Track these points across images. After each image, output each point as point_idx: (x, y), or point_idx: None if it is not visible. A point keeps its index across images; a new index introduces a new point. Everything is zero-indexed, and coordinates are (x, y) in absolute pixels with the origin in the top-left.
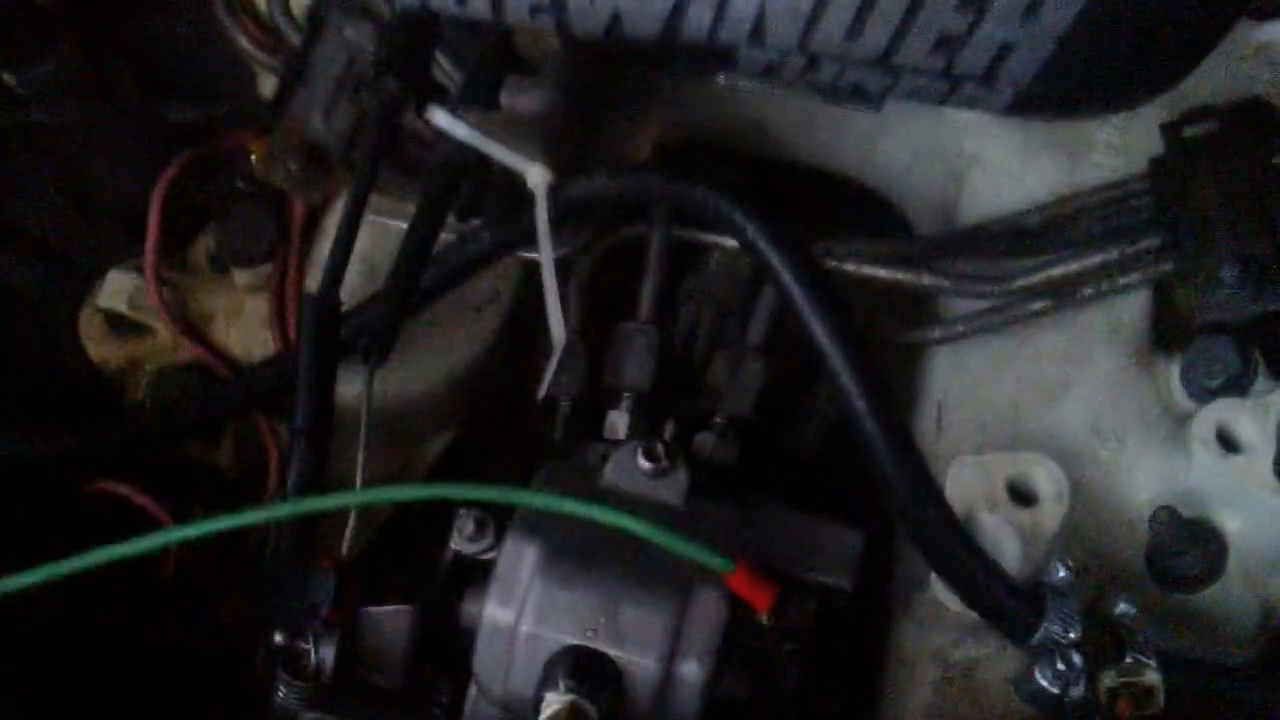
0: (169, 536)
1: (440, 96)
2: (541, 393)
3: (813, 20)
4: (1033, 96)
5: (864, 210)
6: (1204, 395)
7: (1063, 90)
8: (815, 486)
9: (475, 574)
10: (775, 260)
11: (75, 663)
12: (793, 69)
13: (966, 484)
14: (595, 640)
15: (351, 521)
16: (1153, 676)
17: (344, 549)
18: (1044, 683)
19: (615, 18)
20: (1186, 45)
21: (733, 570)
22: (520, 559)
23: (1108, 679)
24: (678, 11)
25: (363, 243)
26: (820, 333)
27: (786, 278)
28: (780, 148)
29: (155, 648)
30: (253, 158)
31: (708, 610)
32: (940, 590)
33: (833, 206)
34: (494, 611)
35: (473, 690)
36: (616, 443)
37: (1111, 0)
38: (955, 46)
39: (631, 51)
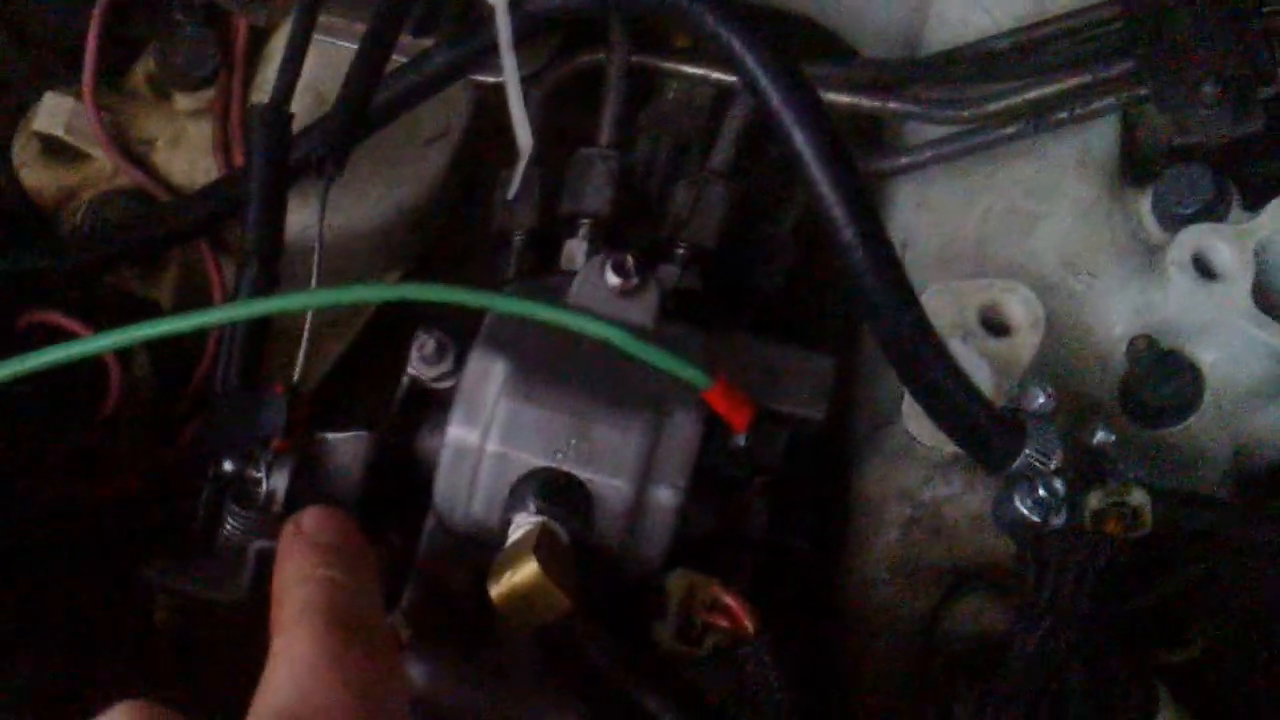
0: (110, 339)
1: None
2: (510, 193)
3: None
4: None
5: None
6: (1178, 223)
7: None
8: (779, 323)
9: (434, 405)
10: (745, 55)
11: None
12: None
13: (937, 311)
14: (565, 461)
15: (304, 344)
16: (1139, 495)
17: (296, 374)
18: (1024, 510)
19: None
20: None
21: (710, 385)
22: (486, 375)
23: (1094, 500)
24: None
25: (311, 67)
26: (795, 135)
27: (761, 81)
28: None
29: (95, 494)
30: None
31: (683, 432)
32: (911, 422)
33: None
34: (458, 431)
35: (430, 523)
36: (574, 274)
37: None
38: None
39: None
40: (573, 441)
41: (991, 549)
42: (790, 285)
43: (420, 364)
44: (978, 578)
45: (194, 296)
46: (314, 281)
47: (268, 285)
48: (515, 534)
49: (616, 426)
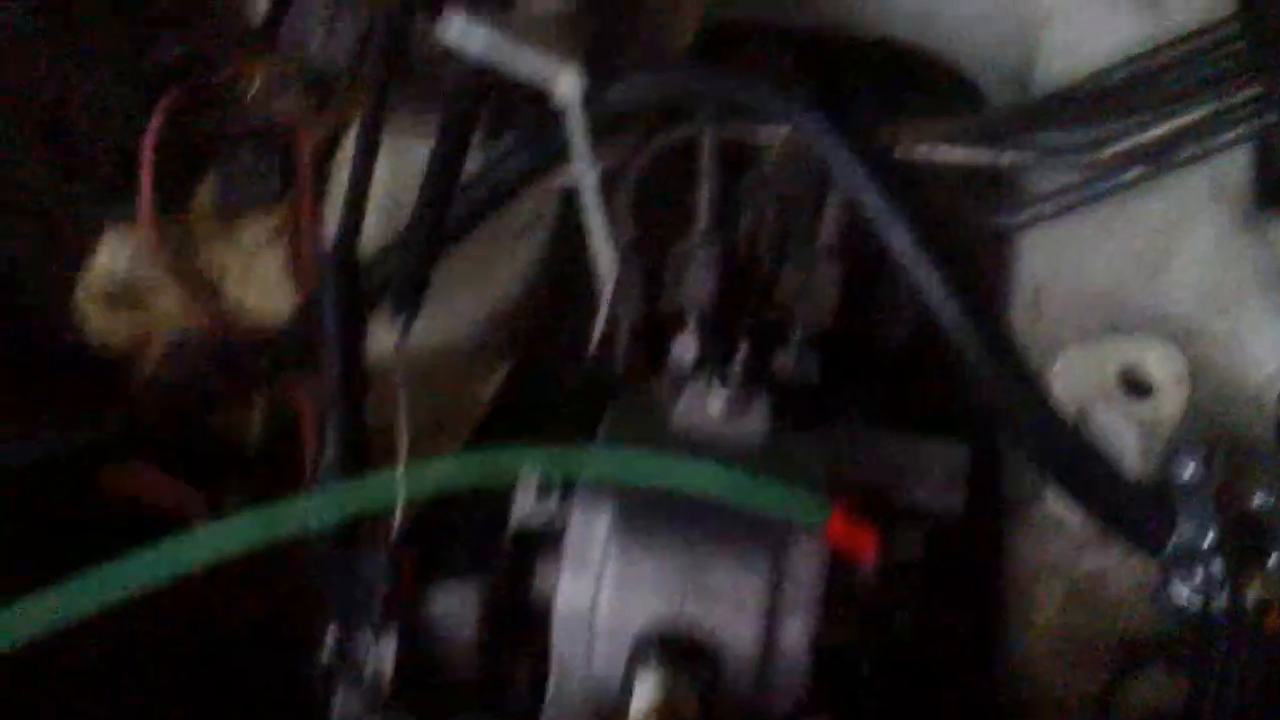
0: (195, 549)
1: (452, 3)
2: (595, 337)
3: None
4: None
5: (932, 80)
6: None
7: None
8: (909, 388)
9: (544, 543)
10: (838, 160)
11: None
12: None
13: (1075, 377)
14: (684, 607)
15: (399, 509)
16: None
17: (394, 532)
18: (1184, 596)
19: None
20: None
21: (828, 517)
22: (594, 523)
23: (1253, 590)
24: None
25: (382, 171)
26: (898, 243)
27: (851, 179)
28: (833, 18)
29: (185, 650)
30: (252, 83)
31: (807, 563)
32: (1057, 502)
33: (898, 80)
34: (569, 586)
35: (554, 676)
36: (686, 371)
37: None
38: None
39: None
40: (690, 587)
41: (1159, 618)
42: (917, 341)
43: (525, 507)
44: (1154, 649)
45: (284, 428)
46: (400, 437)
47: (354, 432)
48: (639, 699)
49: (735, 566)
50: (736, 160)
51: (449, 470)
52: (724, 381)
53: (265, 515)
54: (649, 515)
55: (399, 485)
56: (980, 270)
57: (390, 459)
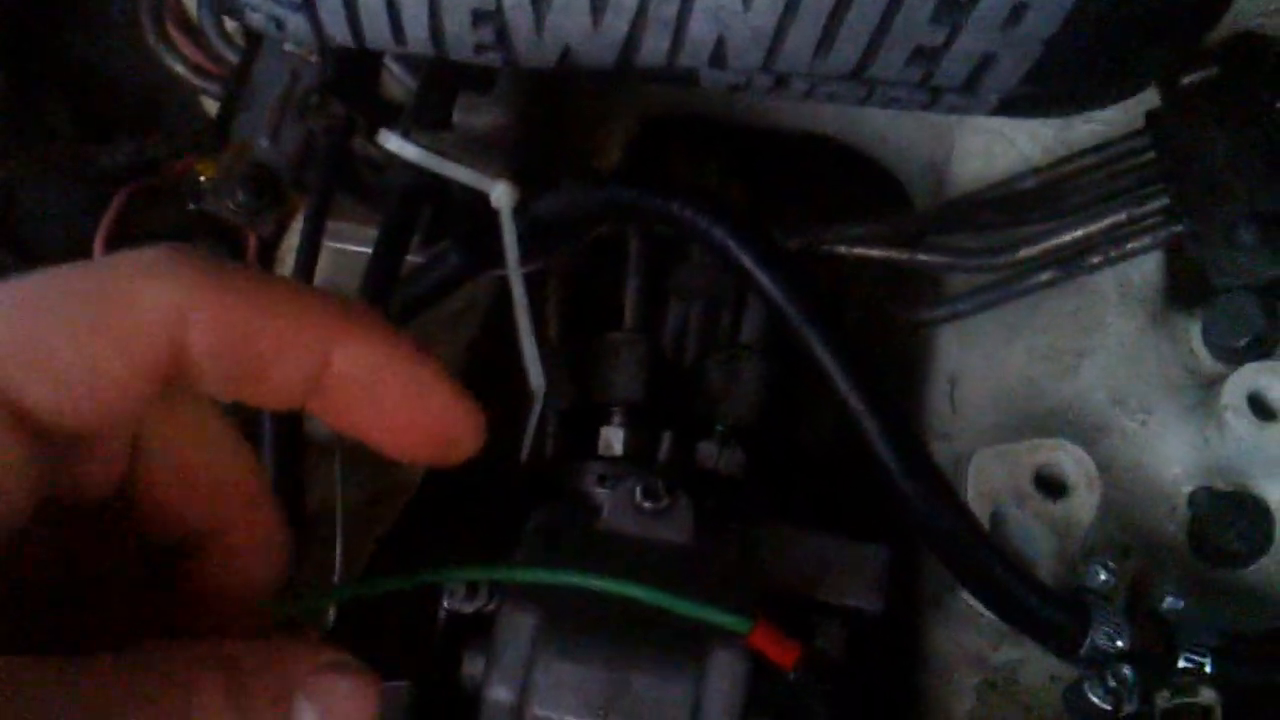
0: None
1: (392, 115)
2: (524, 455)
3: (776, 41)
4: (1019, 100)
5: (855, 173)
6: (1229, 356)
7: (1052, 92)
8: (831, 483)
9: (473, 630)
10: (758, 274)
11: None
12: (759, 87)
13: (990, 477)
14: (608, 716)
15: (331, 610)
16: (1208, 695)
17: (329, 617)
18: (1095, 700)
19: (566, 52)
20: (1185, 28)
21: (750, 629)
22: (518, 632)
23: (1161, 700)
24: (631, 42)
25: (324, 268)
26: (817, 352)
27: (775, 295)
28: (758, 114)
29: None
30: (201, 180)
31: (727, 672)
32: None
33: (822, 168)
34: (495, 694)
35: None
36: (612, 460)
37: None
38: (933, 59)
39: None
40: (613, 698)
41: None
42: (839, 439)
43: (455, 602)
44: None
45: None
46: (337, 516)
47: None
48: None
49: (656, 676)
50: (663, 256)
51: (379, 582)
52: (649, 487)
53: None
54: (573, 625)
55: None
56: (899, 363)
57: (323, 539)
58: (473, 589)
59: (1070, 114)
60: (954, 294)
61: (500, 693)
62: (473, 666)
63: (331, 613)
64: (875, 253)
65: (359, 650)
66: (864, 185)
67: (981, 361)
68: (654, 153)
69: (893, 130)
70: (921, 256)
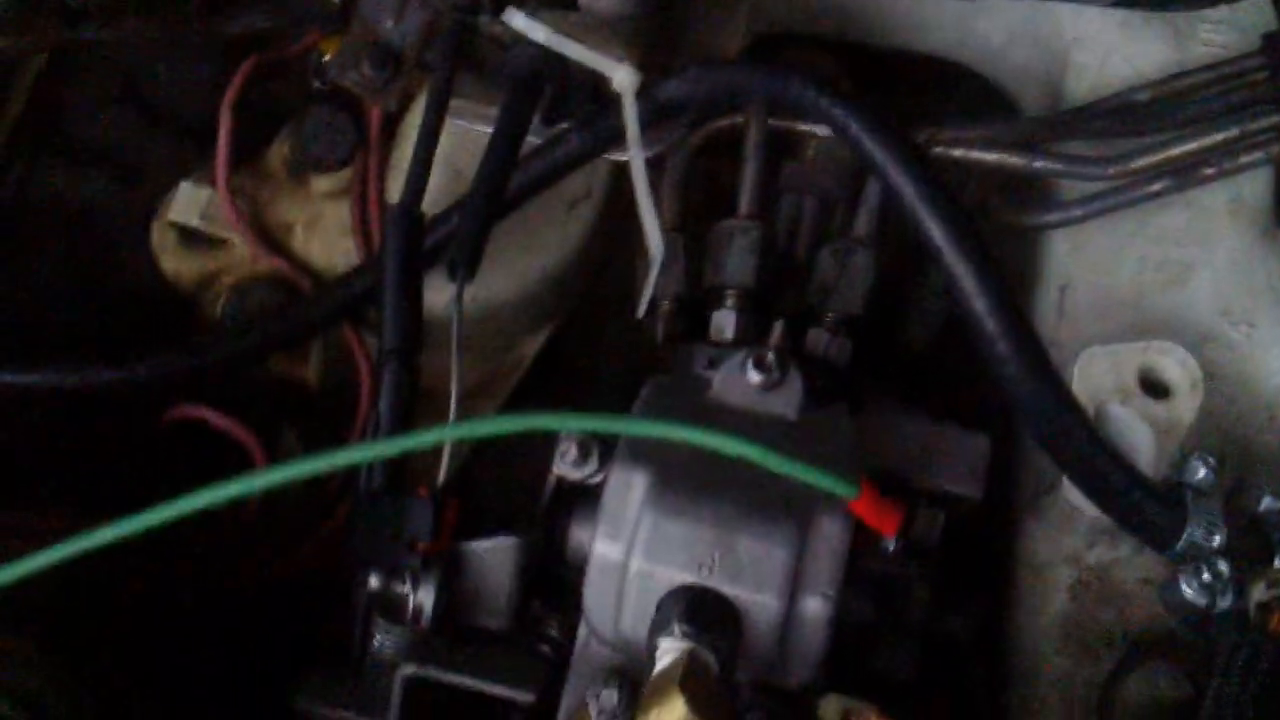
0: (256, 482)
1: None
2: (640, 310)
3: None
4: None
5: (967, 91)
6: None
7: None
8: (932, 381)
9: (581, 499)
10: (878, 154)
11: (149, 614)
12: None
13: (1095, 375)
14: (710, 576)
15: (446, 451)
16: None
17: (440, 476)
18: (1190, 594)
19: None
20: None
21: (857, 495)
22: (628, 489)
23: (1257, 591)
24: None
25: (445, 146)
26: (931, 229)
27: (891, 172)
28: (874, 32)
29: (238, 594)
30: (325, 58)
31: (830, 539)
32: (1072, 493)
33: (936, 88)
34: (602, 547)
35: (583, 629)
36: (724, 344)
37: None
38: None
39: None
40: (717, 555)
41: (1163, 614)
42: (941, 339)
43: (565, 466)
44: (1152, 647)
45: (340, 373)
46: (453, 385)
47: (409, 382)
48: (662, 661)
49: (761, 538)
50: (780, 149)
51: (495, 422)
52: (760, 358)
53: (320, 456)
54: (682, 482)
55: (447, 433)
56: (1009, 268)
57: (436, 416)
58: (583, 454)
59: (1190, 8)
60: (1066, 200)
61: (608, 547)
62: (580, 533)
63: (442, 471)
64: (990, 156)
65: (472, 508)
66: (976, 101)
67: (1091, 269)
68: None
69: (1007, 48)
70: (1036, 163)
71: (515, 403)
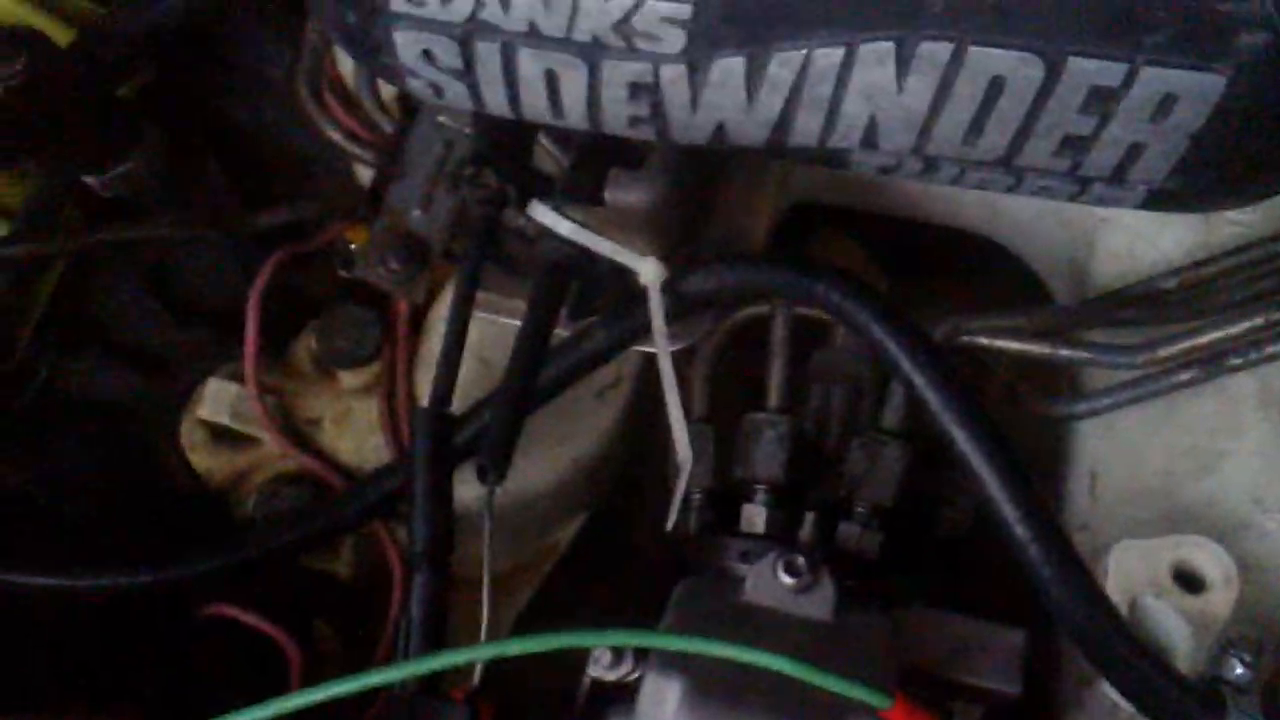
0: (290, 703)
1: (543, 188)
2: (670, 521)
3: (928, 125)
4: (1166, 193)
5: (994, 266)
6: None
7: (1199, 185)
8: (966, 570)
9: (617, 698)
10: (901, 360)
11: None
12: (909, 170)
13: (1129, 569)
14: None
15: (479, 667)
16: None
17: (475, 678)
18: None
19: (719, 128)
20: None
21: (891, 705)
22: (663, 698)
23: None
24: (785, 120)
25: (473, 338)
26: (956, 435)
27: (915, 378)
28: (904, 205)
29: None
30: (353, 249)
31: None
32: (1111, 688)
33: (962, 261)
34: None
35: None
36: (754, 537)
37: (1248, 90)
38: (1082, 148)
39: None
40: None
41: None
42: (976, 526)
43: (599, 669)
44: None
45: (372, 567)
46: (484, 589)
47: (438, 586)
48: None
49: None
50: (808, 336)
51: (528, 644)
52: (791, 563)
53: (352, 678)
54: (718, 687)
55: (479, 652)
56: (1037, 455)
57: (469, 604)
58: (617, 656)
59: (1217, 208)
60: (1093, 389)
61: None
62: None
63: (477, 673)
64: (1016, 346)
65: (508, 710)
66: (1004, 280)
67: (1121, 456)
68: (798, 238)
69: (1035, 226)
70: (1063, 352)
71: (550, 585)
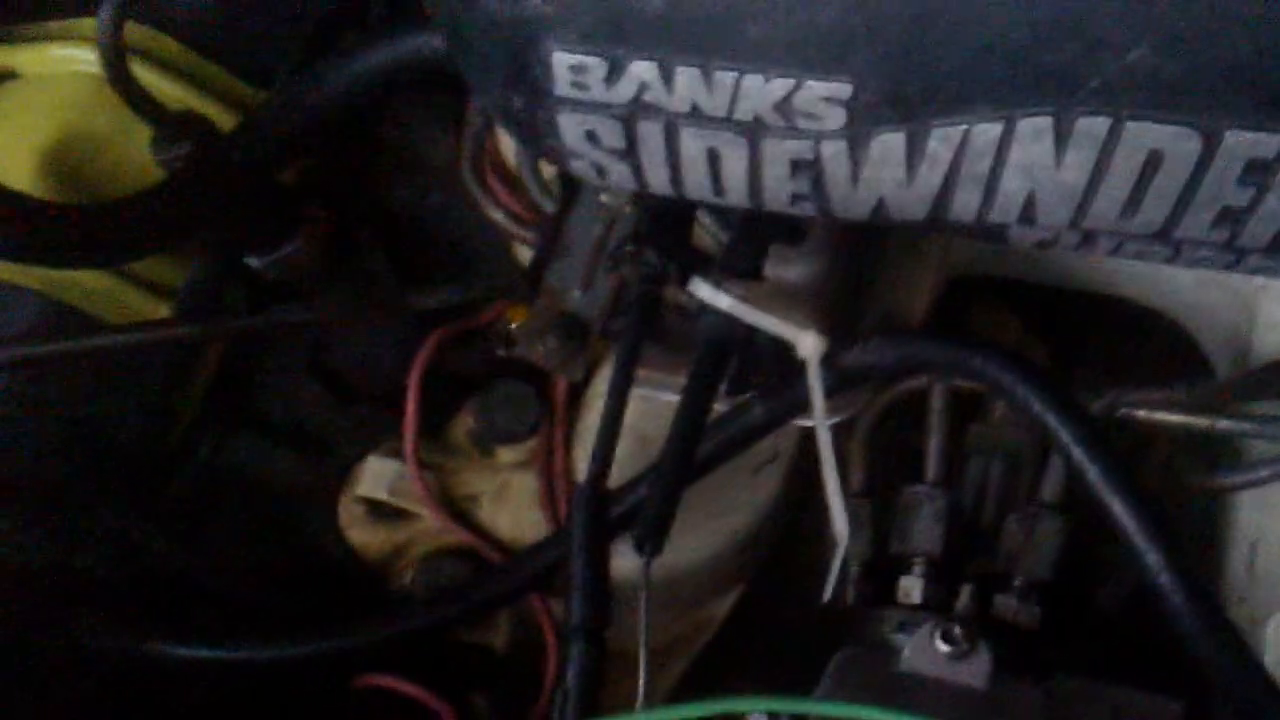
0: None
1: (703, 264)
2: (827, 592)
3: (1085, 199)
4: None
5: (1153, 335)
6: None
7: None
8: (1125, 644)
9: None
10: (1061, 434)
11: None
12: (1066, 244)
13: None
14: None
15: None
16: None
17: None
18: None
19: (879, 204)
20: None
21: None
22: None
23: None
24: (943, 196)
25: (631, 414)
26: (1115, 509)
27: (1074, 452)
28: (1064, 275)
29: None
30: (512, 328)
31: None
32: None
33: (1120, 330)
34: None
35: None
36: (911, 608)
37: None
38: (1239, 220)
39: None
40: None
41: None
42: (1133, 603)
43: None
44: None
45: (527, 638)
46: (641, 663)
47: (595, 659)
48: None
49: None
50: (966, 409)
51: (684, 712)
52: (948, 631)
53: None
54: None
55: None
56: (1195, 527)
57: (625, 675)
58: None
59: None
60: (1253, 460)
61: None
62: None
63: None
64: (1176, 418)
65: None
66: (1164, 350)
67: None
68: (957, 309)
69: (1196, 295)
70: (1222, 423)
71: (705, 659)
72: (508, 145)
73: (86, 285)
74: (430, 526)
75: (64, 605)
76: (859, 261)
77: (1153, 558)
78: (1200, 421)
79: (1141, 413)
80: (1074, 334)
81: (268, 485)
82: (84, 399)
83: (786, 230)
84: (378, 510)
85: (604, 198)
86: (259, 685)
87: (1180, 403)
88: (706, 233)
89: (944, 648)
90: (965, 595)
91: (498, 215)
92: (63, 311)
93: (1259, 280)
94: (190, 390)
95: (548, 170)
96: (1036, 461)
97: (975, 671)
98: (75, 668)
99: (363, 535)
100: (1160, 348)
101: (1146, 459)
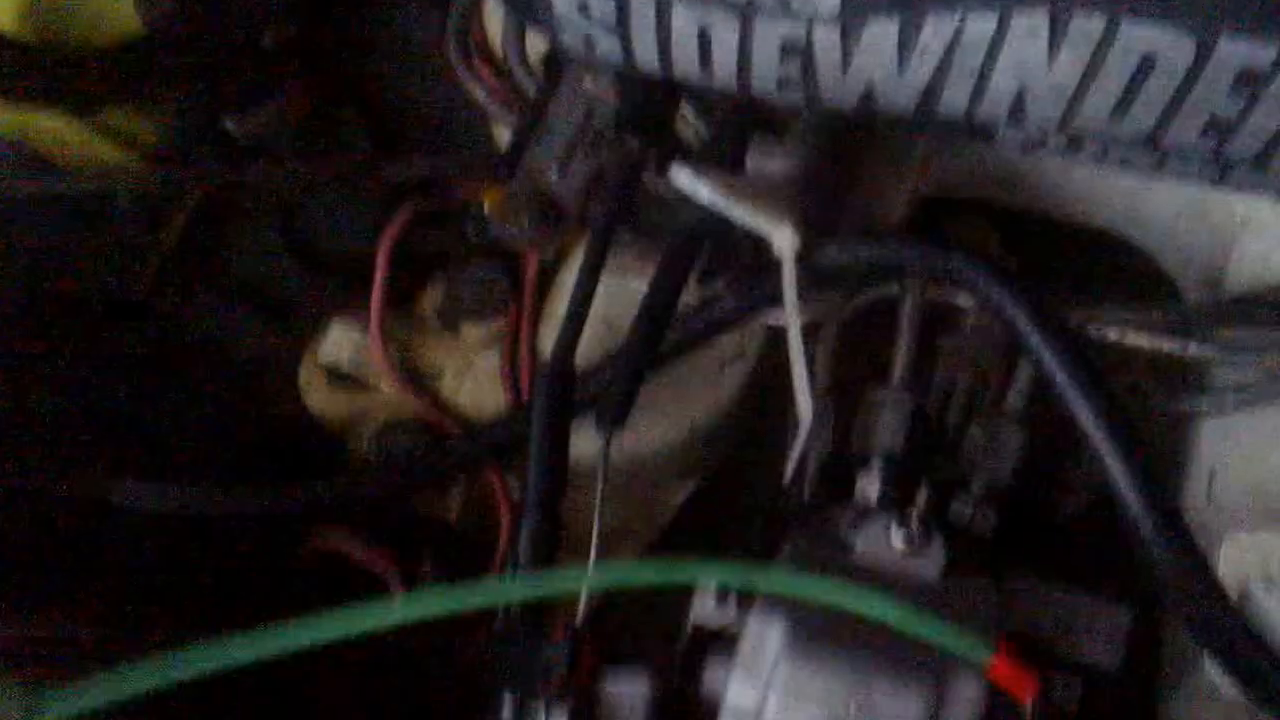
0: (393, 615)
1: (682, 154)
2: (788, 475)
3: (1075, 99)
4: None
5: (1125, 264)
6: None
7: None
8: (1077, 556)
9: (717, 645)
10: (1033, 338)
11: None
12: (1053, 147)
13: (1241, 560)
14: None
15: (584, 597)
16: None
17: (579, 617)
18: None
19: (867, 93)
20: None
21: (991, 658)
22: (766, 636)
23: None
24: (933, 88)
25: (599, 301)
26: (1082, 415)
27: (1045, 357)
28: (1039, 202)
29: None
30: (485, 209)
31: (967, 696)
32: (1213, 672)
33: (1092, 258)
34: (737, 692)
35: None
36: (868, 507)
37: None
38: (1227, 131)
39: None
40: (853, 706)
41: None
42: (1090, 514)
43: (702, 613)
44: None
45: (481, 513)
46: (594, 531)
47: (549, 532)
48: None
49: (898, 691)
50: (936, 320)
51: (635, 570)
52: (904, 523)
53: (461, 590)
54: (820, 632)
55: (587, 576)
56: (1156, 450)
57: (576, 555)
58: (721, 601)
59: None
60: (1219, 387)
61: (742, 697)
62: (714, 679)
63: (582, 606)
64: (1146, 340)
65: (608, 647)
66: (1136, 280)
67: (1241, 457)
68: (936, 226)
69: (1173, 227)
70: (1193, 348)
71: (658, 545)
72: (494, 25)
73: (59, 133)
74: (390, 396)
75: (17, 446)
76: (840, 161)
77: (1114, 464)
78: (1171, 344)
79: (1113, 333)
80: (1048, 263)
81: (230, 345)
82: (48, 244)
83: (769, 125)
84: (339, 376)
85: (587, 83)
86: (211, 541)
87: (1153, 324)
88: (688, 126)
89: (898, 541)
90: (922, 496)
91: (480, 94)
92: (33, 158)
93: (1239, 216)
94: (157, 244)
95: (533, 53)
96: (1004, 373)
97: (927, 566)
98: (27, 510)
99: (321, 401)
100: (1132, 283)
101: (1114, 381)
